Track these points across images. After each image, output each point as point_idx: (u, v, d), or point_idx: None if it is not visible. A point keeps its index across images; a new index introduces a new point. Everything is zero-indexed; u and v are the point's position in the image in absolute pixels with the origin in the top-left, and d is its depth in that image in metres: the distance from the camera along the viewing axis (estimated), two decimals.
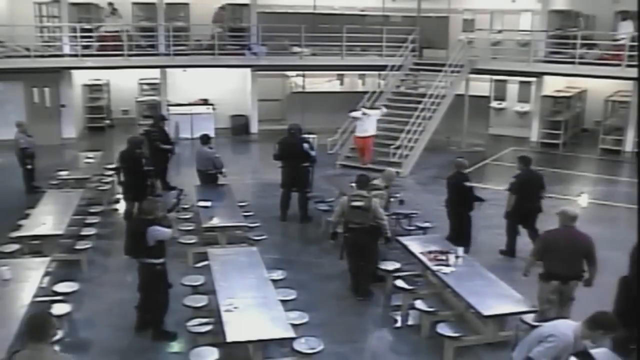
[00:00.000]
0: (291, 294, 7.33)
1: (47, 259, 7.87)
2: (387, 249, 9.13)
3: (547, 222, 11.96)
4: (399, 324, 7.75)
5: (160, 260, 7.10)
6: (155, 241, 6.96)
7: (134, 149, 10.80)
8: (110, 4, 18.18)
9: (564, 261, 6.83)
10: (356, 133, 14.96)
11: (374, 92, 17.07)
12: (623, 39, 16.36)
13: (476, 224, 10.03)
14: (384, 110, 14.89)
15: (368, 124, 14.57)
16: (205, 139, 11.70)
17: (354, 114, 14.91)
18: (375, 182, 9.05)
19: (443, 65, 16.87)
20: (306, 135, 11.90)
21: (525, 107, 20.09)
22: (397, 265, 8.53)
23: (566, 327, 4.73)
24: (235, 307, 6.48)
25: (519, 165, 9.82)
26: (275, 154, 11.60)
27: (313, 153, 11.48)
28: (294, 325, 6.35)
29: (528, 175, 9.64)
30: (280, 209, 11.61)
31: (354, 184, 8.87)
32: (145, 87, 20.16)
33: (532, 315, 6.79)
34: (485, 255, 9.29)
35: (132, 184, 10.66)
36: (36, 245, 8.91)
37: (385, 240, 8.48)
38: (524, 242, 9.64)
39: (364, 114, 14.45)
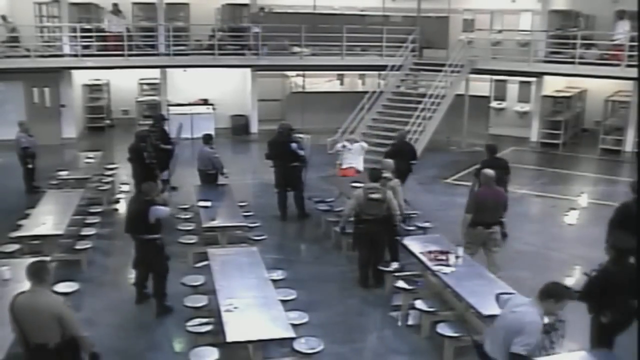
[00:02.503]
0: (291, 294, 7.32)
1: (47, 259, 7.84)
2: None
3: (547, 222, 12.02)
4: (399, 324, 7.76)
5: (158, 236, 7.86)
6: (155, 219, 7.70)
7: (138, 142, 11.65)
8: (115, 4, 18.17)
9: (489, 212, 8.54)
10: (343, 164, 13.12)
11: (374, 92, 17.08)
12: (619, 38, 16.37)
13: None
14: (365, 145, 13.12)
15: (351, 157, 12.83)
16: (207, 139, 11.71)
17: (337, 145, 13.40)
18: (384, 175, 9.12)
19: (443, 65, 16.89)
20: (298, 135, 11.91)
21: (525, 107, 20.09)
22: (397, 265, 8.59)
23: (531, 313, 4.94)
24: (235, 307, 6.47)
25: (486, 152, 10.46)
26: (266, 154, 11.69)
27: (302, 153, 11.46)
28: (294, 325, 6.34)
29: (491, 162, 10.11)
30: (279, 209, 11.63)
31: (355, 184, 9.02)
32: (145, 87, 20.18)
33: None
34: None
35: (138, 175, 11.38)
36: (36, 245, 8.90)
37: (394, 228, 8.74)
38: None
39: (344, 146, 12.93)
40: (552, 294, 4.94)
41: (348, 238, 9.52)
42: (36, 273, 5.15)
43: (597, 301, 5.98)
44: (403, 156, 11.38)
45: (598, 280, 6.07)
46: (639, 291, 6.06)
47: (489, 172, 8.69)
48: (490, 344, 5.20)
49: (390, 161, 9.92)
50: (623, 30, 16.39)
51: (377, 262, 8.75)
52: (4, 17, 17.20)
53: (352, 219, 8.90)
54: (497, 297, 5.70)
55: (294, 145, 11.33)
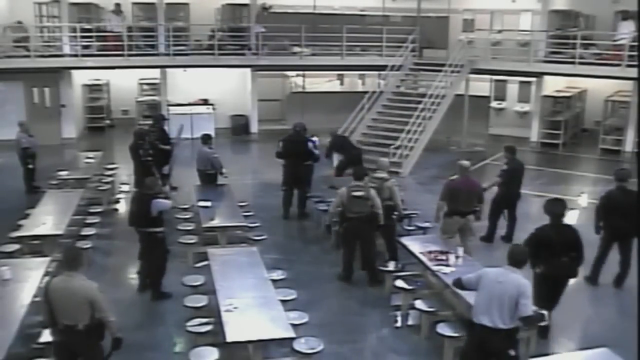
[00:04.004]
0: (291, 294, 7.33)
1: (47, 259, 7.86)
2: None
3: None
4: (399, 324, 7.76)
5: (161, 229, 8.14)
6: (157, 212, 7.98)
7: (137, 140, 11.96)
8: (117, 4, 18.16)
9: (463, 202, 8.95)
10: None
11: (374, 92, 17.08)
12: (623, 38, 16.36)
13: None
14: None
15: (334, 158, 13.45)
16: (205, 139, 11.71)
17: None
18: (380, 175, 9.20)
19: (443, 65, 16.87)
20: (311, 135, 11.97)
21: (525, 107, 20.10)
22: (395, 264, 8.62)
23: (518, 278, 5.64)
24: (235, 307, 6.48)
25: (506, 154, 10.63)
26: (279, 152, 11.64)
27: (317, 152, 11.58)
28: (294, 325, 6.35)
29: (516, 164, 10.57)
30: (283, 207, 11.68)
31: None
32: (145, 87, 20.17)
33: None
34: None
35: (138, 172, 11.68)
36: (36, 245, 8.89)
37: (377, 227, 8.80)
38: (501, 227, 10.61)
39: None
40: (524, 260, 5.77)
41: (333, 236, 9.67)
42: (72, 259, 5.54)
43: (533, 255, 6.86)
44: (345, 150, 12.83)
45: (536, 238, 7.16)
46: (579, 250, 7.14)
47: (465, 163, 9.21)
48: (491, 316, 5.64)
49: (385, 160, 9.94)
50: (628, 31, 16.36)
51: (367, 261, 8.81)
52: (20, 23, 17.22)
53: (335, 219, 9.04)
54: (458, 282, 6.23)
55: (310, 144, 11.39)
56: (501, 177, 10.33)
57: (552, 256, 7.04)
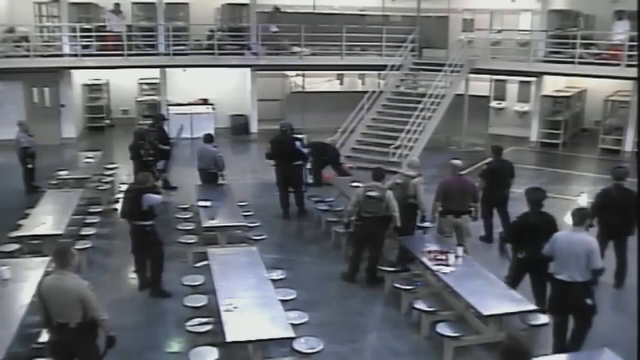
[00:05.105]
0: (291, 294, 7.33)
1: (47, 259, 7.84)
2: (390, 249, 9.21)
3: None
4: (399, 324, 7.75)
5: (150, 223, 8.27)
6: (148, 206, 8.14)
7: (137, 140, 11.96)
8: (117, 4, 18.16)
9: (456, 201, 9.06)
10: None
11: (374, 92, 17.08)
12: (619, 39, 16.37)
13: None
14: None
15: None
16: (208, 138, 11.74)
17: None
18: (408, 173, 9.26)
19: (443, 65, 16.87)
20: (298, 135, 11.99)
21: (525, 107, 20.08)
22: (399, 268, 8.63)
23: (586, 235, 6.52)
24: (235, 307, 6.48)
25: (491, 154, 10.69)
26: (268, 153, 11.72)
27: (305, 151, 11.58)
28: (294, 325, 6.35)
29: (498, 164, 10.50)
30: (282, 208, 11.68)
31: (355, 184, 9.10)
32: (145, 87, 20.17)
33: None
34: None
35: (138, 171, 11.39)
36: (36, 245, 8.91)
37: (395, 229, 8.69)
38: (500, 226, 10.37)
39: None
40: (586, 218, 6.68)
41: (347, 236, 9.53)
42: (62, 257, 5.50)
43: (516, 241, 7.43)
44: (328, 153, 12.94)
45: (518, 225, 7.55)
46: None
47: (458, 163, 9.29)
48: (570, 272, 6.41)
49: (416, 160, 10.03)
50: (624, 31, 16.37)
51: (371, 261, 8.77)
52: (12, 30, 17.23)
53: (354, 217, 8.89)
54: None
55: (297, 143, 11.39)
56: (481, 176, 10.37)
57: (533, 240, 7.21)
